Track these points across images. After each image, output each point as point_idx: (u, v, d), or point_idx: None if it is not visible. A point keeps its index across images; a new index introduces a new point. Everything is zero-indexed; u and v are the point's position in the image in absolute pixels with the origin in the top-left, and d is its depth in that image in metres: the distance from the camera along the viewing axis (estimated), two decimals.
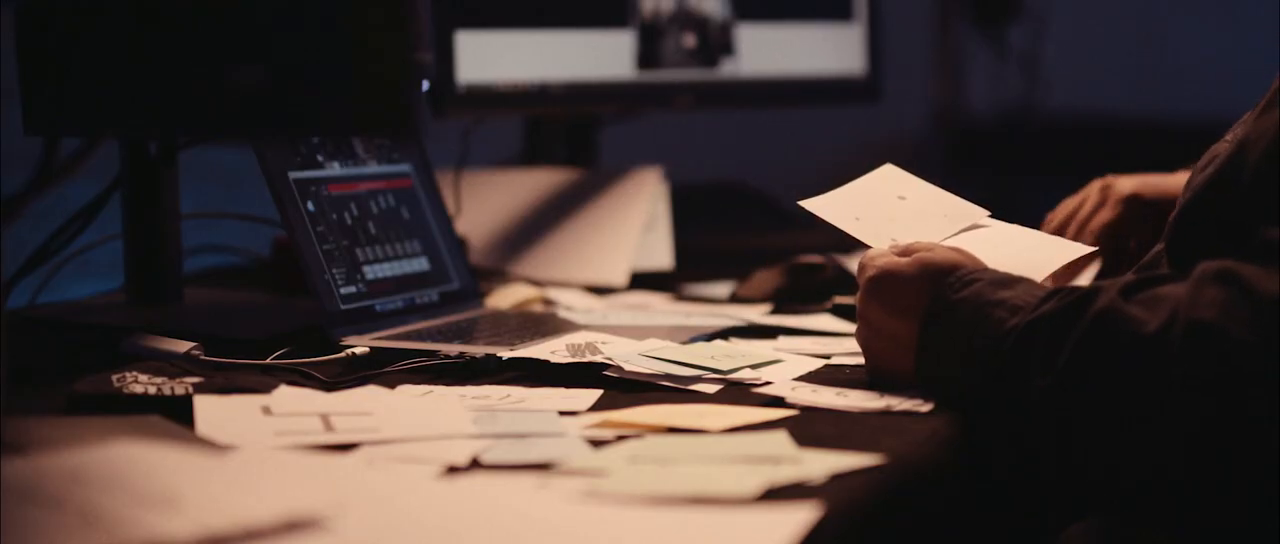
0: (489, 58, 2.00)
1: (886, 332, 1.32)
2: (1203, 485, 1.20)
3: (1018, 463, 1.27)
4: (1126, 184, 1.68)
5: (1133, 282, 1.19)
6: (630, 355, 1.39)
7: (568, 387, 1.34)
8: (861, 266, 1.37)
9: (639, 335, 1.48)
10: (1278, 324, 1.11)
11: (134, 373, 1.28)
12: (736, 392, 1.33)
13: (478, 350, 1.43)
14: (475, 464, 1.11)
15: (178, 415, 1.18)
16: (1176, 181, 1.64)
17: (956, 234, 1.46)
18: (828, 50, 2.30)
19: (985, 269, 1.30)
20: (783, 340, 1.56)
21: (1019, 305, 1.23)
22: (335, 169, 1.58)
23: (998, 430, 1.26)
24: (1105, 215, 1.65)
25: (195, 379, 1.28)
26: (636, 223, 1.99)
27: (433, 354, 1.44)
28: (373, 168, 1.63)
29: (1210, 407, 1.13)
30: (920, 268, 1.31)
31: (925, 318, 1.28)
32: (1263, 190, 1.20)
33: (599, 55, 2.10)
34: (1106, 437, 1.18)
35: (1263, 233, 1.17)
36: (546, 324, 1.57)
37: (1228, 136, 1.32)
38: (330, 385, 1.34)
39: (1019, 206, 1.78)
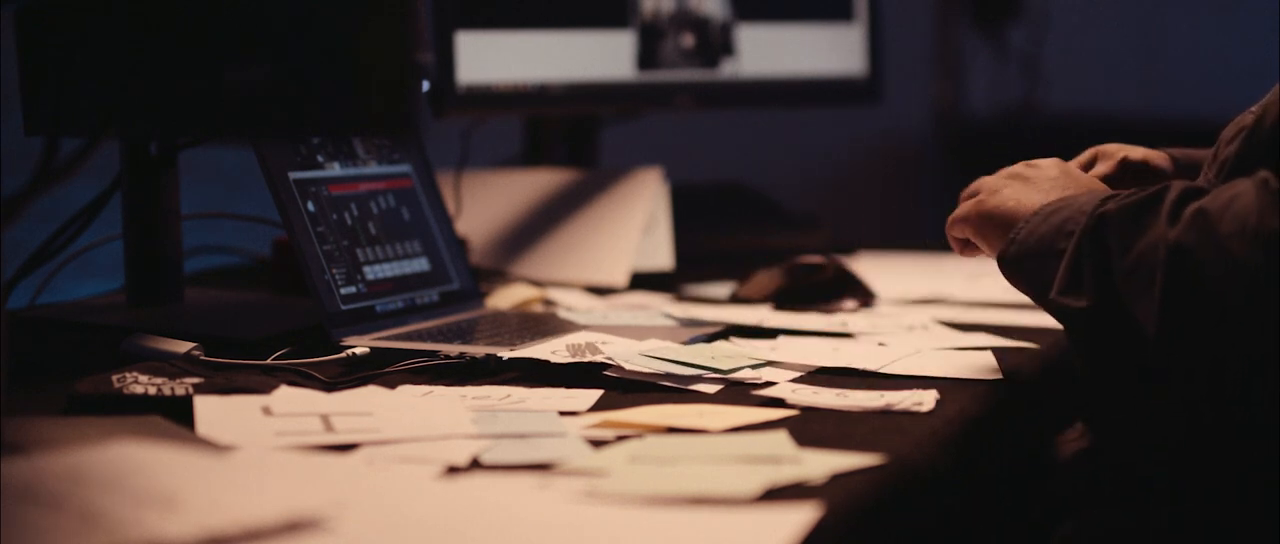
0: (489, 58, 2.00)
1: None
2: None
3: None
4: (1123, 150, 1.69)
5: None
6: (630, 355, 1.39)
7: (568, 387, 1.34)
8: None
9: (639, 335, 1.48)
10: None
11: (134, 373, 1.28)
12: (736, 392, 1.33)
13: (478, 350, 1.43)
14: (475, 464, 1.11)
15: (178, 415, 1.18)
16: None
17: None
18: (828, 50, 2.30)
19: None
20: (783, 340, 1.56)
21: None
22: (335, 169, 1.58)
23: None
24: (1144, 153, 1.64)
25: (195, 379, 1.28)
26: (636, 223, 1.99)
27: (433, 354, 1.44)
28: (373, 168, 1.63)
29: None
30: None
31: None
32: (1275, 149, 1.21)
33: (599, 56, 2.10)
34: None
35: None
36: (546, 324, 1.57)
37: (1253, 109, 1.33)
38: (330, 385, 1.34)
39: None
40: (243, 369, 1.37)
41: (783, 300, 1.79)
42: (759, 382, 1.37)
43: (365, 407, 1.23)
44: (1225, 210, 1.16)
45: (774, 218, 2.21)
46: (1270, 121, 1.23)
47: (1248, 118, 1.31)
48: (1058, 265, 1.26)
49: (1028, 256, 1.30)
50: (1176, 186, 1.22)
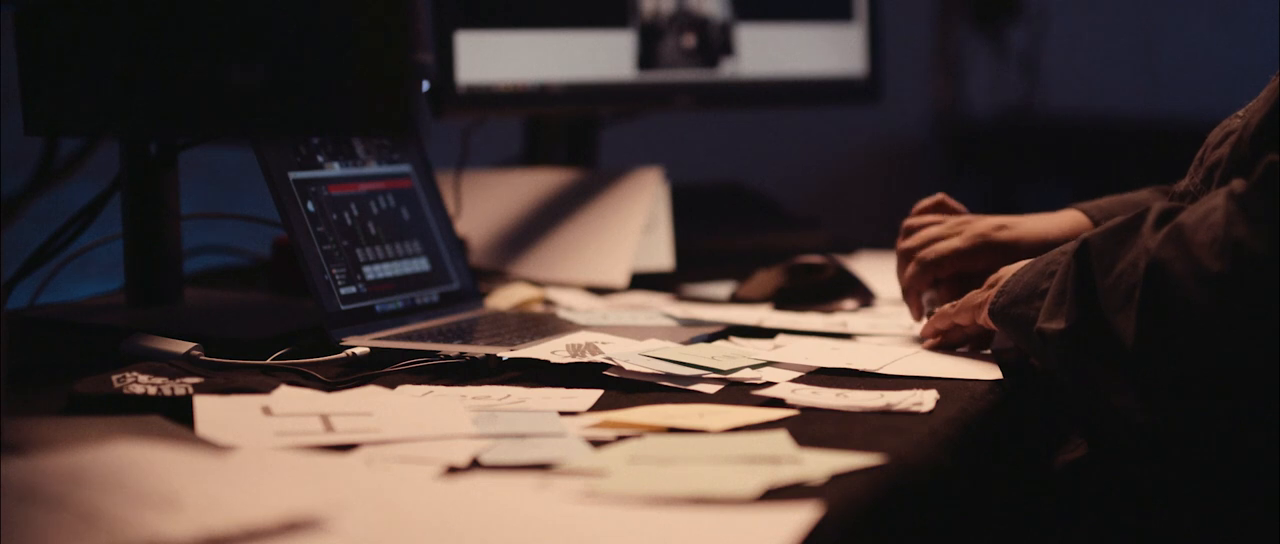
0: (489, 58, 2.00)
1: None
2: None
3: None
4: (983, 224, 1.65)
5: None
6: (630, 355, 1.39)
7: (568, 387, 1.34)
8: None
9: (639, 335, 1.48)
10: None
11: (134, 373, 1.28)
12: (736, 392, 1.33)
13: (478, 350, 1.43)
14: (475, 464, 1.11)
15: (178, 415, 1.18)
16: (1033, 226, 1.64)
17: None
18: (828, 50, 2.30)
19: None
20: (783, 340, 1.56)
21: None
22: (335, 169, 1.58)
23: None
24: (955, 244, 1.63)
25: (195, 379, 1.28)
26: (636, 223, 1.98)
27: (433, 354, 1.44)
28: (373, 168, 1.63)
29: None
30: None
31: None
32: (1253, 154, 1.22)
33: (599, 56, 2.10)
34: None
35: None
36: (546, 324, 1.57)
37: (1239, 114, 1.34)
38: (330, 386, 1.34)
39: (1019, 207, 1.78)
40: (243, 369, 1.37)
41: (783, 300, 1.79)
42: (759, 382, 1.37)
43: (365, 407, 1.23)
44: (1201, 223, 1.18)
45: (774, 218, 2.21)
46: (1250, 131, 1.25)
47: (1234, 121, 1.32)
48: (1041, 304, 1.30)
49: (1014, 303, 1.35)
50: (1155, 207, 1.24)
